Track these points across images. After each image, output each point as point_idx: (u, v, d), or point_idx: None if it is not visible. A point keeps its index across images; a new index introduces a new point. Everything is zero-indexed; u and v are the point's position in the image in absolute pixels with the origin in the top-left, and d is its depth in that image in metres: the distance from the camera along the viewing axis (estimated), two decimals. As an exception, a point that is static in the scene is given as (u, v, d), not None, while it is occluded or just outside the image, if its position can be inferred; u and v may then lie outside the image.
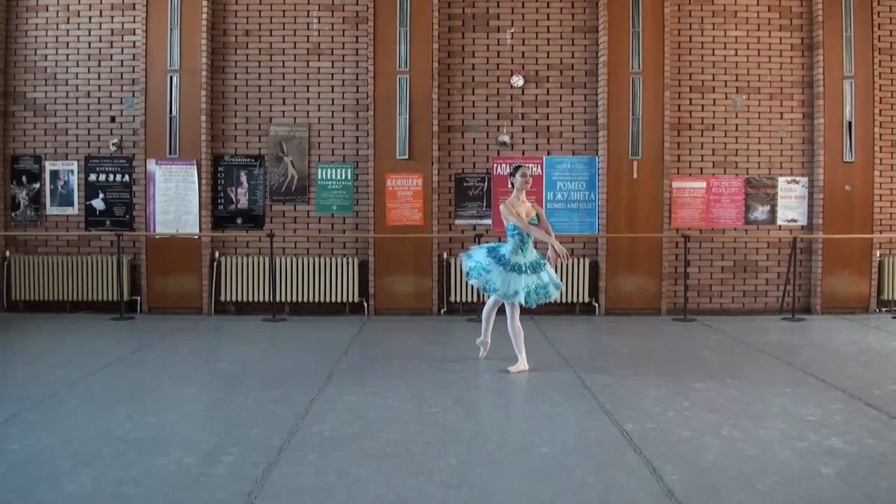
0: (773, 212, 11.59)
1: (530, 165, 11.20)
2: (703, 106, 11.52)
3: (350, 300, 11.30)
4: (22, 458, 4.83)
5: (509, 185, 7.69)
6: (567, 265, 11.13)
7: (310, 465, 4.74)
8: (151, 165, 11.17)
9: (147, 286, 11.25)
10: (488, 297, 7.72)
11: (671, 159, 11.37)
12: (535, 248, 7.57)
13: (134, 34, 11.33)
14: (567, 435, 5.42)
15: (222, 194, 11.47)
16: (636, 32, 11.18)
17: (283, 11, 11.46)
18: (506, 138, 11.42)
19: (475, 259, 7.44)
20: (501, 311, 7.60)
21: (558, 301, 10.91)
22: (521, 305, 7.33)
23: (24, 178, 11.47)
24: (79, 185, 11.45)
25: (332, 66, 11.49)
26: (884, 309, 11.51)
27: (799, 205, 11.57)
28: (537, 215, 7.47)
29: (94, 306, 11.27)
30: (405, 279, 11.28)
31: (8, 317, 10.85)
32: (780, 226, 11.59)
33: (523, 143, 11.51)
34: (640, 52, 11.18)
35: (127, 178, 11.43)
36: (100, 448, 5.01)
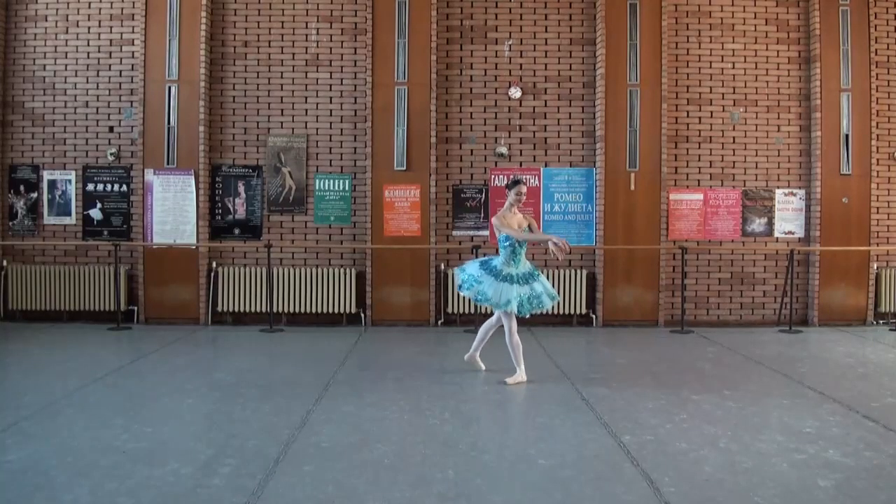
0: (770, 224, 11.61)
1: (526, 177, 11.25)
2: (700, 118, 11.56)
3: (347, 311, 11.29)
4: (19, 468, 4.81)
5: (507, 196, 7.71)
6: (564, 276, 11.18)
7: (307, 477, 4.73)
8: (149, 175, 11.18)
9: (144, 296, 11.25)
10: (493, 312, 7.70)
11: (669, 171, 11.39)
12: (532, 259, 7.60)
13: (133, 44, 11.36)
14: (564, 447, 5.41)
15: (220, 204, 11.47)
16: (634, 45, 11.22)
17: (282, 23, 11.50)
18: (503, 150, 11.43)
19: (468, 272, 7.54)
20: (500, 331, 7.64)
21: (555, 312, 11.01)
22: (517, 319, 7.40)
23: (21, 188, 11.47)
24: (76, 194, 11.45)
25: (331, 77, 11.53)
26: (881, 321, 11.53)
27: (796, 217, 11.60)
28: (529, 226, 7.55)
29: (91, 316, 11.26)
30: (402, 290, 11.28)
31: (5, 326, 10.83)
32: (777, 238, 11.61)
33: (521, 154, 11.53)
34: (638, 64, 11.22)
35: (125, 187, 11.43)
36: (97, 459, 5.00)
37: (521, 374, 7.42)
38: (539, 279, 7.45)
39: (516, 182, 7.52)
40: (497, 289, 7.27)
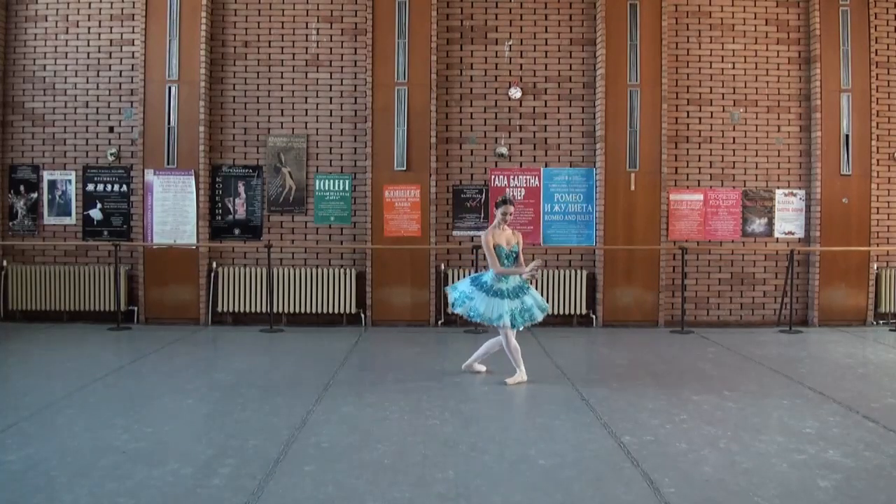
0: (770, 224, 11.61)
1: (526, 178, 11.28)
2: (700, 118, 11.55)
3: (347, 311, 11.29)
4: (19, 468, 4.81)
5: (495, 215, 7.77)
6: (564, 277, 11.19)
7: (307, 477, 4.73)
8: (149, 175, 11.18)
9: (144, 296, 11.24)
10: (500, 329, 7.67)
11: (669, 171, 11.39)
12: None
13: (133, 45, 11.36)
14: (565, 447, 5.40)
15: (220, 205, 11.47)
16: (634, 45, 11.22)
17: (282, 23, 11.50)
18: (503, 150, 11.43)
19: (459, 289, 7.70)
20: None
21: (556, 313, 11.05)
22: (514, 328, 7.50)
23: (21, 188, 11.47)
24: (76, 194, 11.45)
25: (331, 78, 11.52)
26: (881, 321, 11.53)
27: (796, 217, 11.60)
28: (518, 243, 7.66)
29: (91, 316, 11.25)
30: (403, 290, 11.28)
31: (5, 326, 10.82)
32: (777, 238, 11.61)
33: (521, 154, 11.53)
34: (638, 64, 11.22)
35: (125, 188, 11.43)
36: (97, 459, 5.00)
37: (521, 375, 7.47)
38: (529, 292, 7.58)
39: (504, 202, 7.63)
40: (489, 304, 7.40)
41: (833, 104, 11.36)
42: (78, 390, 6.99)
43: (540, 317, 7.57)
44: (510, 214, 7.60)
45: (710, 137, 11.56)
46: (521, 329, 7.51)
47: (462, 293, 7.59)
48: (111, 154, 11.38)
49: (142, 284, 11.25)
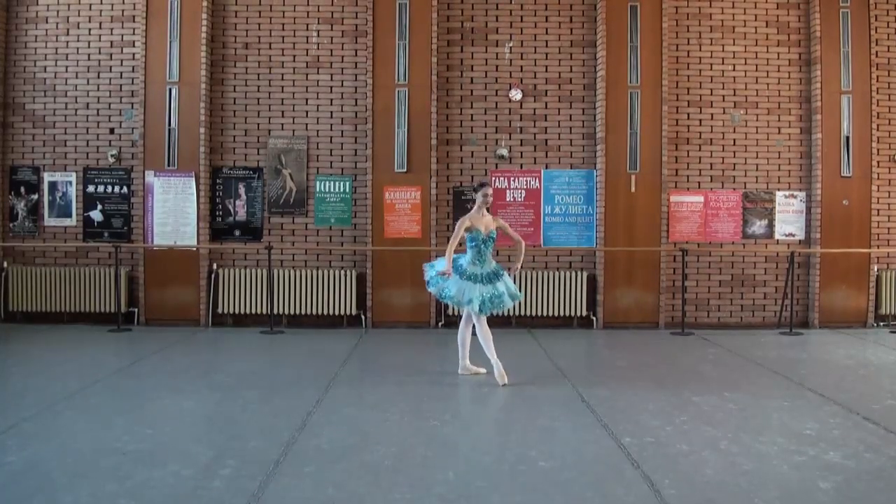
0: (770, 226, 11.60)
1: (526, 179, 11.29)
2: (700, 120, 11.55)
3: (348, 313, 11.28)
4: (19, 469, 4.81)
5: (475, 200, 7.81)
6: (564, 278, 11.18)
7: (307, 479, 4.73)
8: (150, 177, 11.18)
9: (145, 298, 11.24)
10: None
11: (669, 173, 11.39)
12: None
13: (133, 46, 11.36)
14: (565, 449, 5.40)
15: (220, 206, 11.47)
16: (634, 47, 11.22)
17: (283, 24, 11.51)
18: (504, 151, 11.43)
19: (436, 269, 7.70)
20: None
21: (556, 314, 11.06)
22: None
23: (22, 189, 11.47)
24: (77, 196, 11.45)
25: (331, 79, 11.53)
26: (881, 323, 11.52)
27: (797, 219, 11.59)
28: (498, 228, 7.72)
29: (91, 318, 11.25)
30: (403, 292, 11.27)
31: (6, 328, 10.81)
32: (777, 240, 11.61)
33: (521, 156, 11.53)
34: (639, 66, 11.22)
35: (125, 189, 11.43)
36: (97, 460, 5.00)
37: (496, 364, 7.45)
38: (503, 278, 7.59)
39: (482, 185, 7.74)
40: (461, 287, 7.43)
41: (833, 106, 11.36)
42: (78, 391, 6.99)
43: (510, 304, 7.63)
44: (490, 196, 7.66)
45: (711, 139, 11.56)
46: (487, 315, 7.51)
47: (438, 274, 7.60)
48: (112, 155, 11.38)
49: (142, 286, 11.25)
